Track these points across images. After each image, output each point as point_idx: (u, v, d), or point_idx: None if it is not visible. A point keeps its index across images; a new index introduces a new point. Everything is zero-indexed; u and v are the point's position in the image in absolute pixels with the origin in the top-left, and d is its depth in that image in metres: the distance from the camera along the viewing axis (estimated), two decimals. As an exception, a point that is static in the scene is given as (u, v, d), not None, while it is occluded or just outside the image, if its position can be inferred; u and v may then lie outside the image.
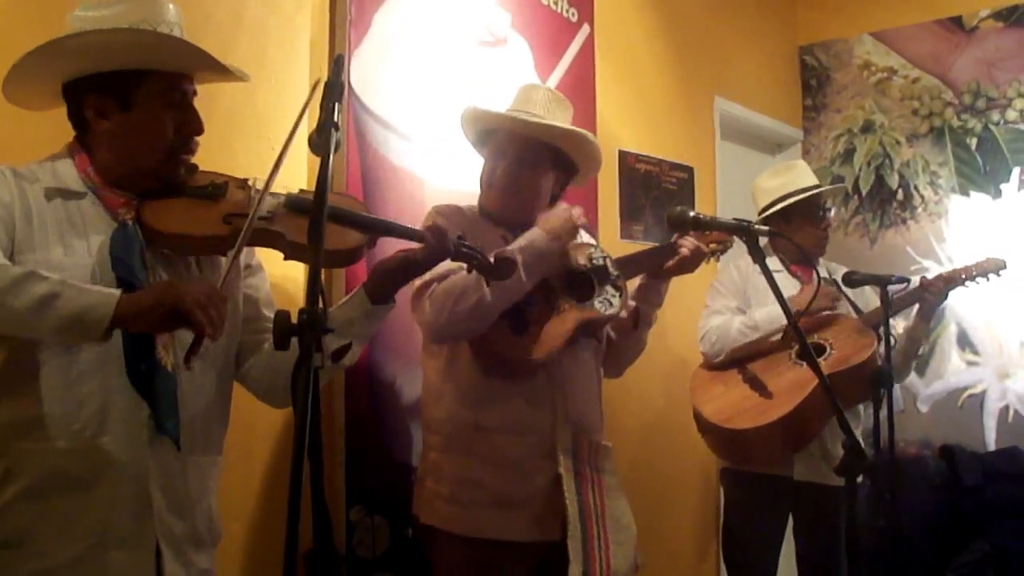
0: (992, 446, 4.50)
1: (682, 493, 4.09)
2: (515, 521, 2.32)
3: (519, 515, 2.32)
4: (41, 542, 1.60)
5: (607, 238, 3.64)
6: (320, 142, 1.48)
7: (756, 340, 3.18)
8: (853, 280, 3.19)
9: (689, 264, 2.55)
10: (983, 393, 4.59)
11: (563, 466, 2.35)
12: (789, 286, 3.25)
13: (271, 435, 2.50)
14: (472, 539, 2.30)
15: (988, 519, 4.06)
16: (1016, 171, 4.62)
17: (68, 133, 1.78)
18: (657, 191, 4.02)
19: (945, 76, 4.84)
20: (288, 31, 2.61)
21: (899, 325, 3.31)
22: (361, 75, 2.72)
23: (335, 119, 1.48)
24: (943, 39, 4.85)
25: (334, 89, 1.51)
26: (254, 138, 2.47)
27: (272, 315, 1.85)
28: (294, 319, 1.38)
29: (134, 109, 1.71)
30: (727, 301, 3.34)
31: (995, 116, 4.69)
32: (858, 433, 2.80)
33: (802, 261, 3.32)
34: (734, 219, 2.36)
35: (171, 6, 1.76)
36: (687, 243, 2.55)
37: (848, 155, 5.09)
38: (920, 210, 4.86)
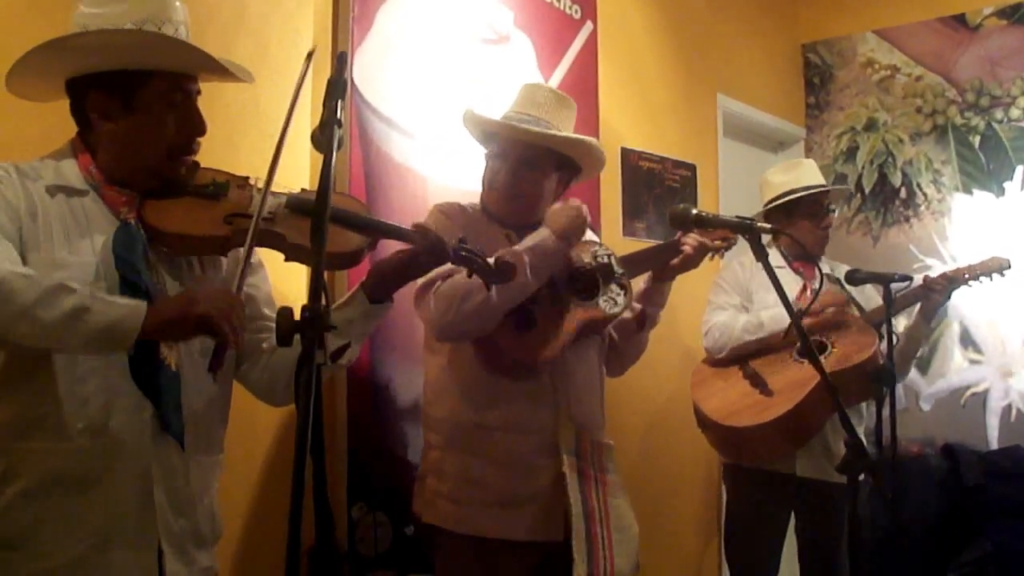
0: (994, 445, 4.50)
1: (685, 490, 4.09)
2: (517, 521, 2.31)
3: (521, 514, 2.32)
4: (42, 543, 1.59)
5: (609, 235, 3.64)
6: (323, 139, 1.48)
7: (757, 341, 3.18)
8: (856, 278, 3.18)
9: (693, 261, 2.55)
10: (986, 392, 4.59)
11: (566, 465, 2.34)
12: (791, 282, 3.25)
13: (273, 433, 2.50)
14: (474, 538, 2.30)
15: (990, 518, 4.06)
16: (1019, 169, 4.62)
17: (70, 129, 1.78)
18: (660, 189, 4.02)
19: (948, 74, 4.84)
20: (290, 29, 2.61)
21: (900, 324, 3.30)
22: (364, 72, 2.72)
23: (338, 116, 1.48)
24: (946, 37, 4.85)
25: (337, 86, 1.51)
26: (257, 136, 2.48)
27: (273, 314, 1.86)
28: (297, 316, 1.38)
29: (137, 109, 1.71)
30: (730, 298, 3.34)
31: (998, 114, 4.68)
32: (861, 432, 2.80)
33: (804, 258, 3.32)
34: (737, 217, 2.37)
35: (178, 4, 1.76)
36: (690, 240, 2.55)
37: (851, 153, 5.09)
38: (923, 208, 4.86)
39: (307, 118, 2.53)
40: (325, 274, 1.42)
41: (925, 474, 4.26)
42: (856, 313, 3.24)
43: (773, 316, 3.14)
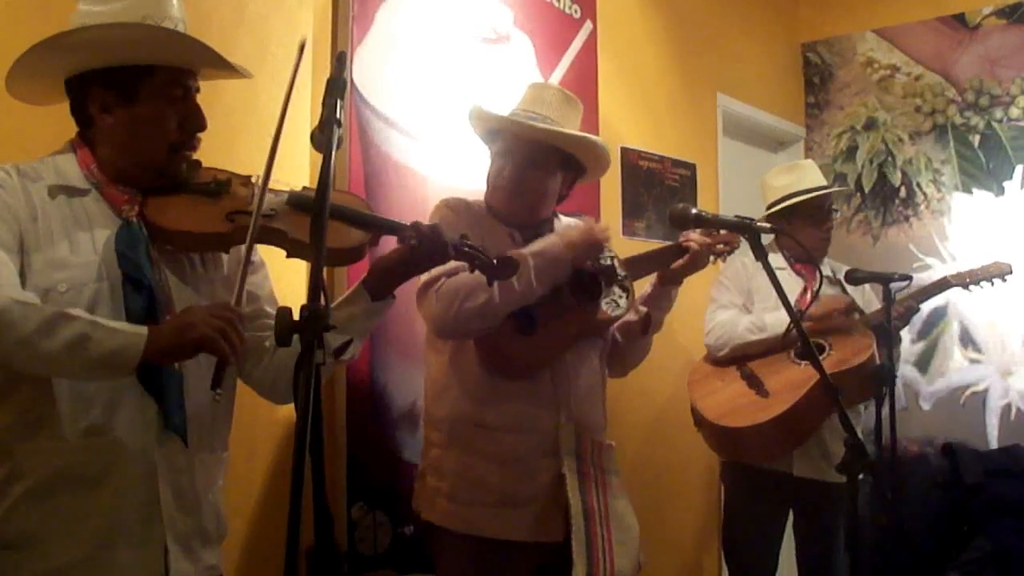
0: (994, 444, 4.50)
1: (685, 491, 4.09)
2: (517, 520, 2.31)
3: (521, 514, 2.32)
4: (48, 543, 1.59)
5: (607, 227, 3.63)
6: (323, 139, 1.48)
7: (759, 343, 3.17)
8: (855, 278, 3.18)
9: (699, 261, 2.54)
10: (985, 391, 4.59)
11: (566, 466, 2.34)
12: (793, 284, 3.25)
13: (272, 432, 2.50)
14: (473, 537, 2.30)
15: (990, 517, 4.06)
16: (1019, 169, 4.62)
17: (70, 129, 1.78)
18: (659, 188, 4.02)
19: (948, 73, 4.84)
20: (290, 28, 2.61)
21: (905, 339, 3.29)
22: (364, 72, 2.72)
23: (338, 116, 1.48)
24: (946, 36, 4.85)
25: (336, 86, 1.51)
26: (256, 135, 2.47)
27: (275, 312, 1.87)
28: (296, 316, 1.38)
29: (138, 104, 1.71)
30: (733, 296, 3.34)
31: (998, 113, 4.68)
32: (859, 432, 2.80)
33: (805, 259, 3.31)
34: (736, 216, 2.36)
35: (174, 1, 1.75)
36: (694, 239, 2.54)
37: (851, 152, 5.09)
38: (923, 208, 4.86)
39: (307, 117, 2.53)
40: (324, 273, 1.42)
41: (925, 473, 4.26)
42: (857, 317, 3.24)
43: (777, 318, 3.14)
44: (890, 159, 4.97)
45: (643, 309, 2.57)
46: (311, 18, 2.67)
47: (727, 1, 4.67)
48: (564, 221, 2.58)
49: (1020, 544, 3.95)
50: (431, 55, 2.92)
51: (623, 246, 2.86)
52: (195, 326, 1.54)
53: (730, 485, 3.47)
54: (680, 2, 4.31)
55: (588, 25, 3.56)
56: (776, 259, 3.35)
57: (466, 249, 1.89)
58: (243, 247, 1.65)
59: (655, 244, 3.00)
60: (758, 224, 2.28)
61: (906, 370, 4.68)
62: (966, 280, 3.30)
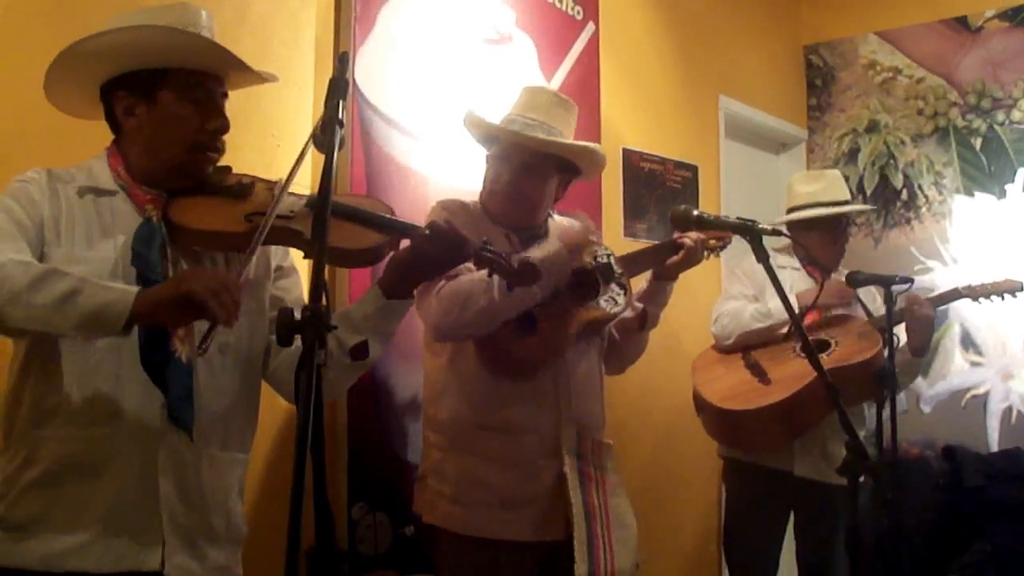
0: (995, 447, 4.50)
1: (685, 491, 4.09)
2: (519, 521, 2.32)
3: (523, 515, 2.32)
4: (51, 527, 1.63)
5: (611, 236, 3.64)
6: (325, 139, 1.48)
7: (766, 330, 3.20)
8: (857, 280, 3.18)
9: (693, 258, 2.55)
10: (986, 394, 4.59)
11: (567, 465, 2.35)
12: (806, 285, 3.29)
13: (273, 432, 2.50)
14: (476, 539, 2.30)
15: (990, 520, 4.05)
16: (1021, 171, 4.62)
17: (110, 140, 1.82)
18: (661, 189, 4.02)
19: (950, 76, 4.83)
20: (293, 28, 2.61)
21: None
22: (366, 72, 2.72)
23: (340, 116, 1.48)
24: (948, 39, 4.84)
25: (339, 86, 1.51)
26: (259, 135, 2.48)
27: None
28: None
29: (158, 104, 1.75)
30: (744, 288, 3.37)
31: (1000, 116, 4.68)
32: (862, 435, 2.80)
33: (818, 265, 3.35)
34: (738, 218, 2.37)
35: (203, 12, 1.80)
36: (689, 237, 2.55)
37: (852, 155, 5.08)
38: (924, 210, 4.86)
39: (309, 118, 2.54)
40: (327, 273, 1.42)
41: (925, 476, 4.26)
42: (862, 314, 3.24)
43: (779, 306, 3.15)
44: (892, 161, 4.96)
45: (639, 306, 2.58)
46: (313, 19, 2.67)
47: (729, 3, 4.67)
48: (558, 221, 2.59)
49: (1020, 547, 3.95)
50: (433, 56, 2.92)
51: (625, 247, 2.86)
52: (186, 281, 1.55)
53: (731, 482, 3.48)
54: (682, 4, 4.31)
55: (590, 26, 3.56)
56: (791, 260, 3.40)
57: (488, 255, 1.87)
58: (263, 246, 1.68)
59: (656, 245, 3.00)
60: (760, 226, 2.28)
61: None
62: (977, 293, 3.31)
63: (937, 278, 4.73)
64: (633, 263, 2.55)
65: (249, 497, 2.44)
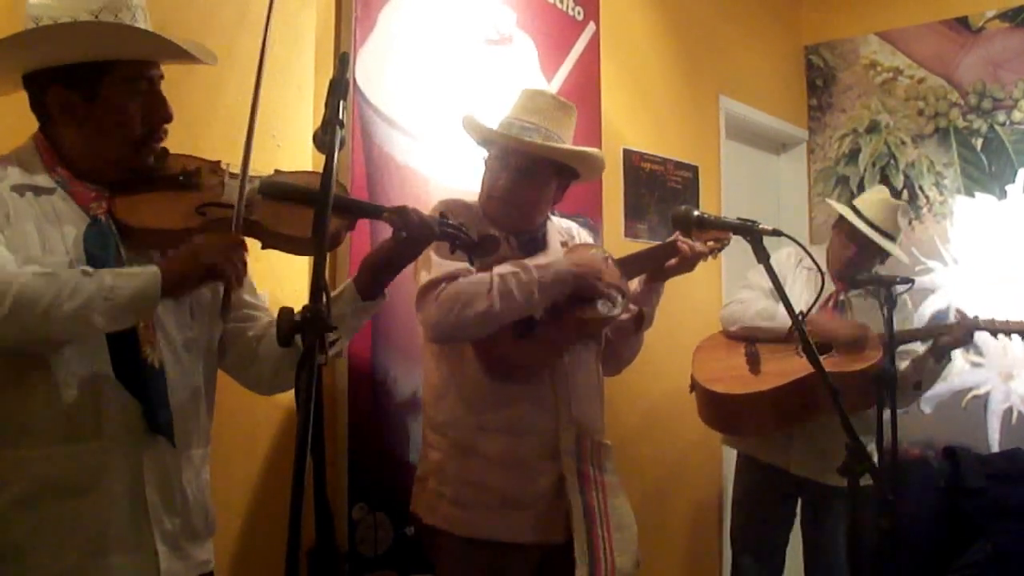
0: (995, 448, 4.50)
1: (684, 489, 4.09)
2: (519, 523, 2.32)
3: (523, 516, 2.32)
4: (37, 553, 1.57)
5: (611, 237, 3.64)
6: (325, 139, 1.48)
7: (767, 329, 3.23)
8: (858, 281, 3.18)
9: (687, 265, 2.55)
10: (987, 395, 4.59)
11: (567, 467, 2.35)
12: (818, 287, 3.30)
13: (273, 431, 2.50)
14: (475, 540, 2.30)
15: (991, 521, 4.05)
16: (1021, 172, 4.61)
17: (31, 122, 1.73)
18: (661, 190, 4.02)
19: (951, 76, 4.83)
20: (293, 28, 2.61)
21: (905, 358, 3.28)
22: (366, 73, 2.72)
23: (340, 116, 1.48)
24: (949, 39, 4.84)
25: (339, 87, 1.51)
26: (259, 135, 2.44)
27: (255, 301, 1.89)
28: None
29: (100, 100, 1.67)
30: (764, 282, 3.36)
31: (1001, 117, 4.68)
32: (871, 445, 2.81)
33: (839, 275, 3.36)
34: (738, 219, 2.36)
35: None
36: (688, 244, 2.55)
37: (853, 155, 5.08)
38: (925, 211, 4.85)
39: (309, 118, 2.54)
40: (327, 274, 1.42)
41: (926, 477, 4.26)
42: (873, 333, 3.20)
43: (786, 314, 3.16)
44: (892, 162, 4.96)
45: (633, 307, 2.57)
46: (314, 20, 2.67)
47: (730, 3, 4.67)
48: (557, 224, 2.59)
49: (1021, 548, 3.95)
50: (433, 56, 2.92)
51: (625, 248, 2.85)
52: (202, 253, 1.58)
53: (740, 480, 3.53)
54: (683, 4, 4.31)
55: (591, 27, 3.56)
56: (809, 260, 3.39)
57: (449, 229, 1.89)
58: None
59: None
60: (760, 227, 2.28)
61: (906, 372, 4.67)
62: (995, 328, 3.27)
63: (937, 278, 4.74)
64: (630, 265, 2.55)
65: (249, 497, 2.45)
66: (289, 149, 2.51)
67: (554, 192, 2.49)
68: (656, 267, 2.57)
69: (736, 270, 3.89)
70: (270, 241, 1.75)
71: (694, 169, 4.24)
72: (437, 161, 2.88)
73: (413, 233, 1.84)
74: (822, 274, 2.74)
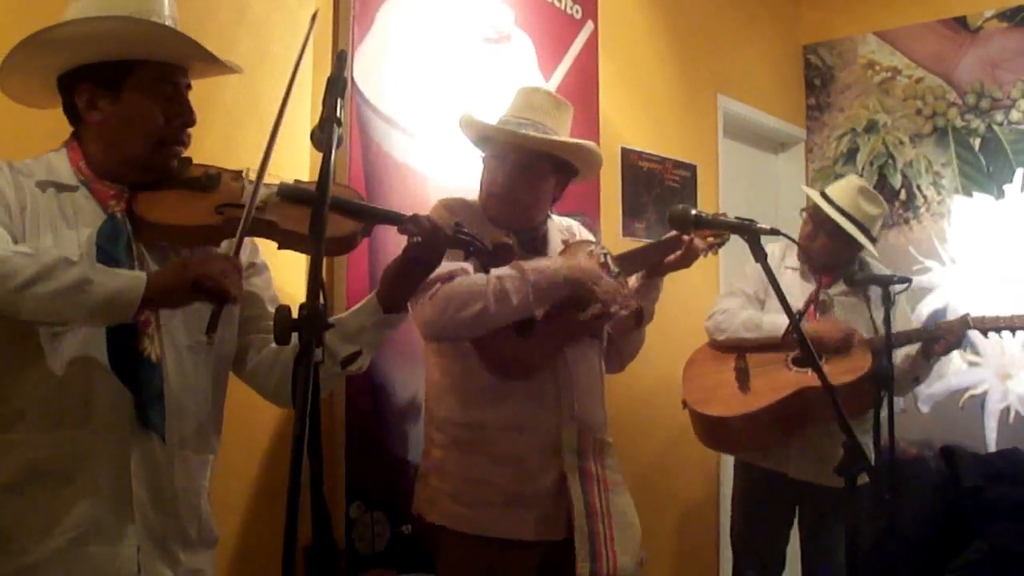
0: (993, 447, 4.50)
1: (683, 488, 4.10)
2: (522, 520, 2.32)
3: (525, 514, 2.32)
4: (22, 538, 1.58)
5: (609, 235, 3.64)
6: (323, 138, 1.48)
7: (753, 340, 3.20)
8: (855, 280, 3.17)
9: (685, 262, 2.55)
10: (984, 394, 4.59)
11: (569, 464, 2.35)
12: (804, 287, 3.27)
13: (270, 430, 2.50)
14: (478, 538, 2.30)
15: (988, 520, 4.05)
16: (1019, 172, 4.62)
17: (67, 130, 1.77)
18: (659, 189, 4.02)
19: (949, 76, 4.83)
20: (291, 27, 2.61)
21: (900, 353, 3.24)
22: (364, 71, 2.72)
23: (338, 115, 1.48)
24: (947, 39, 4.84)
25: (337, 85, 1.51)
26: (257, 133, 2.47)
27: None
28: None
29: (124, 98, 1.70)
30: (747, 286, 3.37)
31: (999, 117, 4.68)
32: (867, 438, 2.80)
33: (823, 267, 3.30)
34: (736, 217, 2.37)
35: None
36: (686, 243, 2.55)
37: (851, 155, 5.09)
38: (923, 210, 4.86)
39: (307, 116, 2.53)
40: (323, 272, 1.42)
41: (923, 476, 4.26)
42: (862, 335, 3.17)
43: (773, 322, 3.16)
44: (890, 161, 4.96)
45: (633, 303, 2.57)
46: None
47: (729, 3, 4.67)
48: (558, 222, 2.59)
49: (1018, 547, 3.95)
50: (432, 55, 2.92)
51: (623, 246, 2.86)
52: (193, 266, 1.55)
53: (738, 484, 3.51)
54: (681, 3, 4.31)
55: (589, 25, 3.56)
56: (792, 260, 3.39)
57: (461, 236, 1.89)
58: (234, 239, 1.64)
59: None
60: (757, 226, 2.28)
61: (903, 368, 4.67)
62: (986, 325, 3.21)
63: (935, 278, 4.74)
64: (630, 261, 2.56)
65: (247, 496, 2.45)
66: (287, 147, 2.51)
67: (553, 189, 2.49)
68: (655, 263, 2.57)
69: (733, 267, 3.88)
70: (285, 241, 1.75)
71: (692, 168, 4.24)
72: (435, 159, 2.88)
73: (427, 239, 1.84)
74: (818, 276, 2.74)
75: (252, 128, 2.47)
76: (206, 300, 1.55)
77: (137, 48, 1.70)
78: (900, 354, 3.19)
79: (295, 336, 1.39)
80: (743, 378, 3.18)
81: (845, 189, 3.33)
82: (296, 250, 1.81)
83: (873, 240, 3.31)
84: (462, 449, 2.35)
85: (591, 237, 2.67)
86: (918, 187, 4.88)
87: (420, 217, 1.85)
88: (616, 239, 3.67)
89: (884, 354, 2.91)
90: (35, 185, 1.66)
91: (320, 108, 1.50)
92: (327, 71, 1.54)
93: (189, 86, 1.80)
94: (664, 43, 4.19)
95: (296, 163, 2.52)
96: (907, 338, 3.14)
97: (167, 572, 1.69)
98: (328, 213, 1.45)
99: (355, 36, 2.70)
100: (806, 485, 3.19)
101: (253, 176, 1.72)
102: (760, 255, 2.19)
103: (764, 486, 3.31)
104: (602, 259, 2.44)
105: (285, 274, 2.36)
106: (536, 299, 2.27)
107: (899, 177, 4.93)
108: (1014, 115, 4.64)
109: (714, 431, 3.24)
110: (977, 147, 4.73)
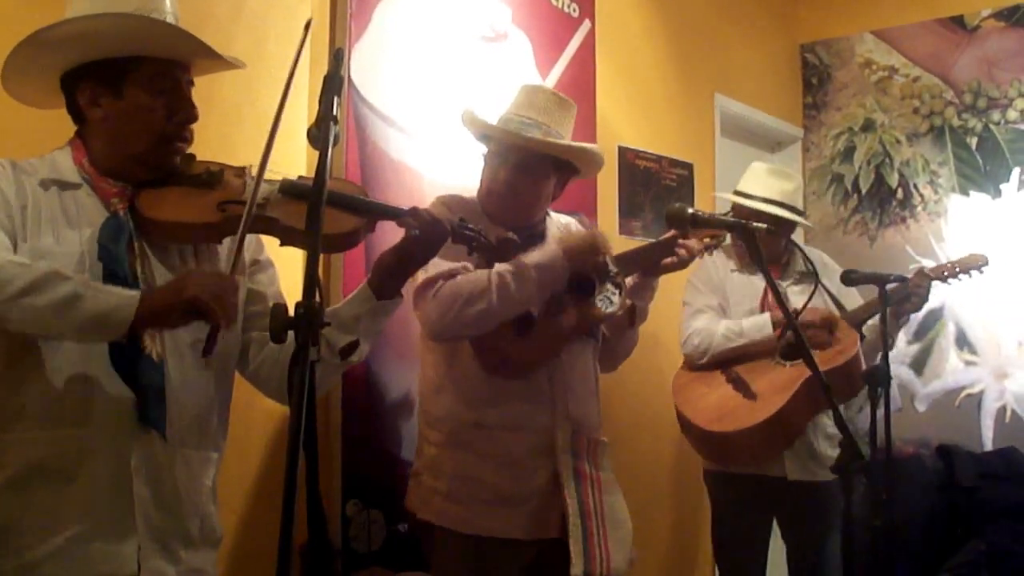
0: (989, 446, 4.51)
1: (675, 488, 4.09)
2: (514, 519, 2.32)
3: (518, 513, 2.32)
4: (23, 536, 1.58)
5: (606, 234, 3.63)
6: (319, 136, 1.47)
7: (739, 348, 3.15)
8: (852, 279, 3.17)
9: (683, 264, 2.55)
10: (981, 393, 4.59)
11: (562, 464, 2.35)
12: (756, 287, 3.24)
13: (267, 428, 2.50)
14: (470, 536, 2.30)
15: (984, 519, 4.06)
16: (1016, 171, 4.62)
17: (71, 129, 1.77)
18: (657, 188, 4.02)
19: (946, 75, 4.84)
20: (288, 24, 2.61)
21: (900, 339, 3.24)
22: (361, 69, 2.71)
23: (334, 113, 1.48)
24: (944, 38, 4.85)
25: (333, 83, 1.51)
26: (254, 131, 2.47)
27: None
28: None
29: (125, 96, 1.70)
30: (707, 299, 3.29)
31: (996, 116, 4.69)
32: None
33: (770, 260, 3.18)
34: (733, 217, 2.37)
35: None
36: (685, 246, 2.54)
37: (848, 153, 5.09)
38: (920, 209, 4.86)
39: (304, 114, 2.53)
40: (321, 268, 1.42)
41: (919, 475, 4.26)
42: (836, 315, 3.17)
43: (754, 323, 3.13)
44: (887, 160, 4.97)
45: (628, 303, 2.57)
46: (309, 14, 2.66)
47: (726, 2, 4.67)
48: (556, 219, 2.59)
49: (1014, 547, 3.96)
50: (429, 53, 2.92)
51: (620, 245, 2.86)
52: (188, 287, 1.53)
53: (713, 492, 3.43)
54: (679, 2, 4.31)
55: (586, 24, 3.56)
56: (727, 262, 3.33)
57: (466, 232, 1.89)
58: (236, 236, 1.64)
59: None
60: (755, 225, 2.28)
61: (901, 371, 4.68)
62: (944, 273, 3.27)
63: (931, 277, 4.74)
64: (628, 262, 2.55)
65: (242, 492, 2.44)
66: (283, 145, 2.50)
67: (553, 188, 2.49)
68: (653, 263, 2.57)
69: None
70: (286, 238, 1.75)
71: (689, 167, 4.24)
72: (432, 157, 2.87)
73: (426, 232, 1.84)
74: (815, 274, 2.74)
75: (250, 125, 2.47)
76: (201, 319, 1.55)
77: (137, 45, 1.70)
78: (870, 324, 3.19)
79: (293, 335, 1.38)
80: (742, 386, 3.11)
81: (756, 177, 3.32)
82: (298, 247, 1.81)
83: (801, 213, 3.31)
84: (456, 447, 2.34)
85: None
86: (915, 186, 4.88)
87: (420, 210, 1.86)
88: (613, 238, 3.63)
89: (882, 354, 2.90)
90: (38, 183, 1.66)
91: (317, 106, 1.49)
92: (324, 69, 1.54)
93: (191, 82, 1.80)
94: (661, 42, 4.19)
95: (293, 161, 2.51)
96: (876, 309, 3.13)
97: (168, 570, 1.68)
98: (329, 210, 1.45)
99: (352, 34, 2.69)
100: (799, 484, 3.15)
101: (255, 171, 1.71)
102: (757, 255, 2.19)
103: (742, 493, 3.22)
104: (601, 259, 2.43)
105: (282, 271, 2.36)
106: (539, 288, 2.26)
107: (896, 176, 4.93)
108: (1011, 114, 4.64)
109: (731, 447, 3.09)
110: (974, 146, 4.73)
